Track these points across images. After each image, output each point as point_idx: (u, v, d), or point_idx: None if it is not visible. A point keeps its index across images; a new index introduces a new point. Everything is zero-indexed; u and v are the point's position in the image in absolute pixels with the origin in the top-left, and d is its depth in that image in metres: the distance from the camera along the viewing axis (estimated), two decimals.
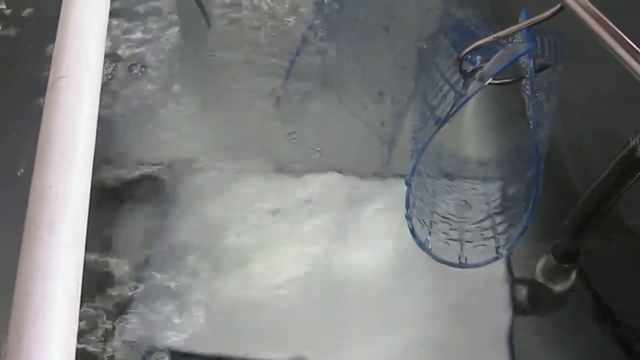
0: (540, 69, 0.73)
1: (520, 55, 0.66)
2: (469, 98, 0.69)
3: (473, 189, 0.84)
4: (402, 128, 0.85)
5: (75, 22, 0.41)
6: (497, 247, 0.79)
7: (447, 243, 0.79)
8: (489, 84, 0.69)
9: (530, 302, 0.78)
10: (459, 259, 0.78)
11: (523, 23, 0.62)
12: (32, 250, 0.33)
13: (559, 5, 0.56)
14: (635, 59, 0.51)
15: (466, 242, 0.79)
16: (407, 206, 0.78)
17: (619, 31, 0.52)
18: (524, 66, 0.70)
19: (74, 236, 0.34)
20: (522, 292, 0.78)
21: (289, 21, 0.96)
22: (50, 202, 0.34)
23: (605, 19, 0.53)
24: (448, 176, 0.85)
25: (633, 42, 0.52)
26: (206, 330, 0.72)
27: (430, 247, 0.78)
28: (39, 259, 0.33)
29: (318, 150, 0.86)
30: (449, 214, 0.82)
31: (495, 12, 0.91)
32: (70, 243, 0.34)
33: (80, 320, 0.34)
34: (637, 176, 0.64)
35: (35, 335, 0.31)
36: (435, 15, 0.80)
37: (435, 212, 0.81)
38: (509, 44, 0.69)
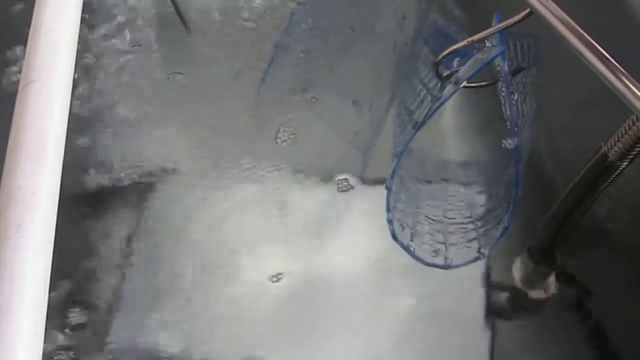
0: (515, 71, 0.74)
1: (492, 58, 0.67)
2: (444, 101, 0.70)
3: (456, 191, 0.85)
4: (381, 135, 0.86)
5: (46, 27, 0.42)
6: (479, 248, 0.80)
7: (430, 245, 0.80)
8: (465, 87, 0.70)
9: (509, 304, 0.78)
10: (442, 260, 0.79)
11: (495, 27, 0.63)
12: (0, 251, 0.34)
13: (528, 10, 0.57)
14: (602, 62, 0.52)
15: (450, 244, 0.80)
16: (388, 210, 0.78)
17: (586, 35, 0.53)
18: (499, 69, 0.72)
19: (42, 237, 0.35)
20: (502, 295, 0.79)
21: (268, 27, 0.97)
22: (19, 203, 0.35)
23: (573, 22, 0.54)
24: (431, 179, 0.86)
25: (600, 45, 0.53)
26: (182, 341, 0.73)
27: (412, 249, 0.79)
28: (6, 259, 0.34)
29: (297, 158, 0.86)
30: (433, 216, 0.82)
31: (473, 17, 0.92)
32: (38, 244, 0.35)
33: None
34: (610, 180, 0.64)
35: (3, 334, 0.32)
36: (411, 22, 0.80)
37: (419, 215, 0.82)
38: (484, 48, 0.70)
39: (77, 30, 0.43)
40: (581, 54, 0.53)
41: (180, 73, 0.94)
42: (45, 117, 0.38)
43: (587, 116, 0.84)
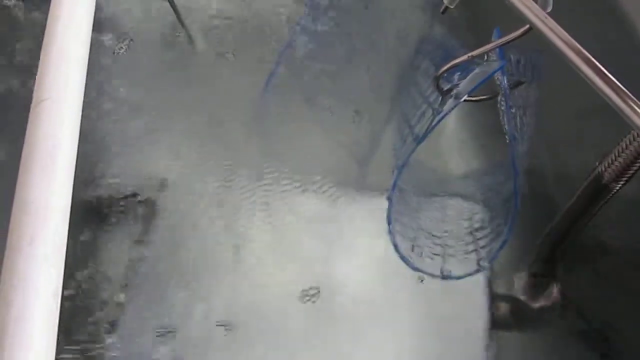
0: (515, 85, 0.75)
1: (493, 73, 0.68)
2: (445, 115, 0.71)
3: (455, 203, 0.86)
4: (380, 146, 0.87)
5: (58, 46, 0.43)
6: (479, 260, 0.80)
7: (430, 257, 0.81)
8: (465, 101, 0.72)
9: (511, 316, 0.79)
10: (442, 272, 0.80)
11: (495, 42, 0.65)
12: (14, 262, 0.35)
13: (527, 26, 0.58)
14: (600, 78, 0.53)
15: (449, 255, 0.81)
16: (389, 222, 0.79)
17: (584, 51, 0.54)
18: (499, 83, 0.73)
19: (54, 249, 0.36)
20: (504, 306, 0.79)
21: (271, 37, 0.97)
22: (31, 216, 0.36)
23: (571, 39, 0.55)
24: (430, 192, 0.87)
25: (598, 61, 0.54)
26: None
27: (413, 261, 0.80)
28: (19, 270, 0.35)
29: (297, 168, 0.87)
30: (432, 228, 0.83)
31: (474, 32, 0.93)
32: (50, 255, 0.36)
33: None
34: (607, 200, 0.65)
35: (16, 344, 0.33)
36: (413, 36, 0.81)
37: (419, 227, 0.83)
38: (484, 62, 0.71)
39: (88, 49, 0.44)
40: (580, 69, 0.54)
41: (181, 83, 0.94)
42: (57, 134, 0.39)
43: (589, 130, 0.84)
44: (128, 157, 0.87)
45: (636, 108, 0.50)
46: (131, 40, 0.96)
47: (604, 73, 0.53)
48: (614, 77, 0.52)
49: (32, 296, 0.34)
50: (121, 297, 0.76)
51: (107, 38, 0.97)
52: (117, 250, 0.79)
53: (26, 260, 0.35)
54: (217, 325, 0.75)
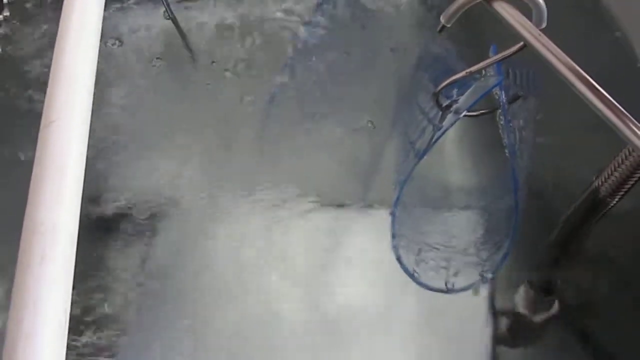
0: (513, 99, 0.77)
1: (491, 88, 0.70)
2: (445, 131, 0.72)
3: (457, 216, 0.87)
4: (381, 162, 0.87)
5: (66, 70, 0.44)
6: (482, 273, 0.81)
7: (434, 270, 0.81)
8: (465, 116, 0.73)
9: (511, 329, 0.79)
10: (446, 285, 0.80)
11: (491, 59, 0.66)
12: (24, 281, 0.36)
13: (521, 43, 0.60)
14: (593, 93, 0.54)
15: (452, 269, 0.82)
16: (393, 236, 0.80)
17: (578, 68, 0.55)
18: (497, 97, 0.74)
19: (63, 268, 0.37)
20: (504, 321, 0.79)
21: (272, 55, 0.98)
22: (41, 236, 0.38)
23: (565, 55, 0.56)
24: (432, 205, 0.87)
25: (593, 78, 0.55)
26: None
27: (417, 275, 0.80)
28: (30, 288, 0.36)
29: (299, 183, 0.87)
30: (435, 242, 0.84)
31: (472, 48, 0.94)
32: (59, 274, 0.37)
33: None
34: (603, 213, 0.66)
35: (27, 357, 0.34)
36: (411, 53, 0.83)
37: (422, 242, 0.84)
38: (483, 78, 0.73)
39: (95, 71, 0.46)
40: (573, 85, 0.55)
41: (182, 100, 0.95)
42: (65, 155, 0.41)
43: (590, 142, 0.85)
44: (127, 176, 0.87)
45: (629, 124, 0.51)
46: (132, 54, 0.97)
47: (598, 89, 0.54)
48: (607, 93, 0.53)
49: (42, 313, 0.35)
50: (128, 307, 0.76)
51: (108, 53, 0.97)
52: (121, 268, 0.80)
53: (36, 279, 0.36)
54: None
